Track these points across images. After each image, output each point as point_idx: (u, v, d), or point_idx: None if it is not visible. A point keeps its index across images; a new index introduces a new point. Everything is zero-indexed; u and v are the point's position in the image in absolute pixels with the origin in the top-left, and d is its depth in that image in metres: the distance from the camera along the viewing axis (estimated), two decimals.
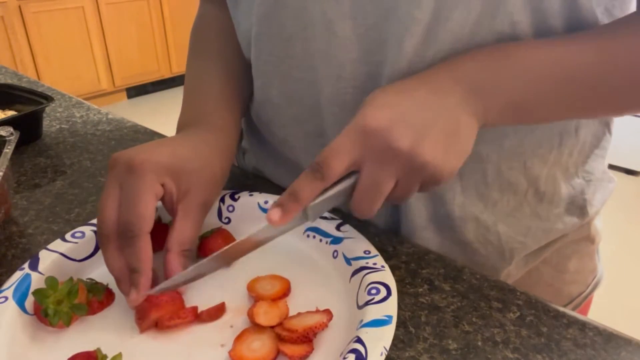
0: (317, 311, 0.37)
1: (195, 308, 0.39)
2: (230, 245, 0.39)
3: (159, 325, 0.37)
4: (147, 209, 0.39)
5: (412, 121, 0.36)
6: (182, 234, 0.41)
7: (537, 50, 0.40)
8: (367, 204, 0.38)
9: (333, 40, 0.43)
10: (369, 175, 0.37)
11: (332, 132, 0.48)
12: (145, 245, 0.38)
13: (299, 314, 0.37)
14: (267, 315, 0.37)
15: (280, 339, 0.35)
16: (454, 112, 0.38)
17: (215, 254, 0.39)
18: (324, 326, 0.35)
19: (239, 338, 0.36)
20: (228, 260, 0.41)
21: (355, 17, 0.42)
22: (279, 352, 0.35)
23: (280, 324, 0.36)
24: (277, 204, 0.38)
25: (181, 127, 0.50)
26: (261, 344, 0.35)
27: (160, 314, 0.37)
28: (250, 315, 0.37)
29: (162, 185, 0.41)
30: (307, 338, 0.35)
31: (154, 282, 0.39)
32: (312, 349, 0.35)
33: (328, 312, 0.36)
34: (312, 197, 0.38)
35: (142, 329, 0.38)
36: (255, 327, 0.37)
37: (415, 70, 0.41)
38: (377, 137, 0.36)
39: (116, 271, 0.39)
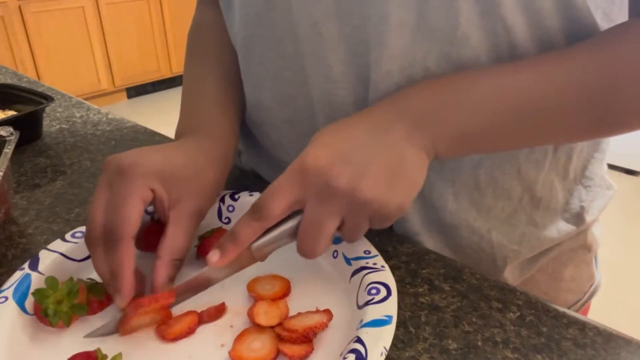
0: (317, 311, 0.37)
1: (195, 313, 0.39)
2: (182, 283, 0.39)
3: (163, 336, 0.37)
4: (133, 213, 0.38)
5: (351, 159, 0.36)
6: (174, 242, 0.41)
7: (485, 79, 0.39)
8: (310, 243, 0.37)
9: (319, 41, 0.43)
10: (311, 214, 0.37)
11: None
12: (126, 250, 0.37)
13: (299, 314, 0.37)
14: (267, 315, 0.37)
15: (280, 339, 0.35)
16: (397, 147, 0.37)
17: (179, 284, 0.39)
18: (324, 326, 0.35)
19: (239, 338, 0.36)
20: (186, 296, 0.40)
21: (340, 18, 0.41)
22: (279, 352, 0.35)
23: (280, 324, 0.36)
24: (217, 246, 0.38)
25: (179, 134, 0.50)
26: (261, 344, 0.35)
27: (144, 322, 0.38)
28: (250, 315, 0.37)
29: (153, 190, 0.40)
30: (307, 338, 0.35)
31: (141, 284, 0.40)
32: (312, 349, 0.35)
33: (328, 312, 0.36)
34: (252, 238, 0.38)
35: (123, 334, 0.37)
36: (256, 327, 0.36)
37: (407, 73, 0.41)
38: (315, 177, 0.36)
39: (103, 274, 0.38)
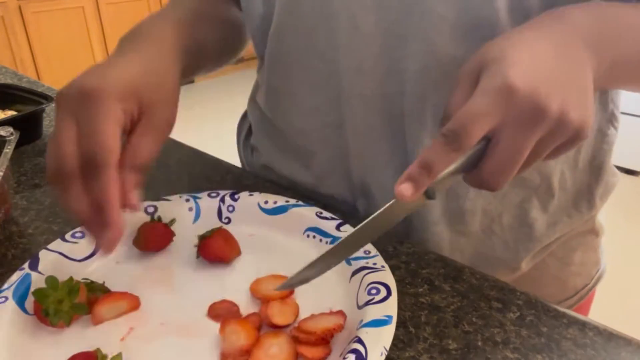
0: (331, 313, 0.37)
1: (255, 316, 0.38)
2: (355, 230, 0.35)
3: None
4: (112, 138, 0.35)
5: (555, 78, 0.33)
6: (137, 149, 0.38)
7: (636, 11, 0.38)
8: (504, 173, 0.33)
9: (356, 34, 0.43)
10: (511, 140, 0.32)
11: (350, 124, 0.49)
12: (112, 177, 0.35)
13: (313, 315, 0.37)
14: (282, 314, 0.37)
15: (298, 341, 0.35)
16: (582, 65, 0.35)
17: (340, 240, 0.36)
18: (341, 328, 0.35)
19: (256, 345, 0.35)
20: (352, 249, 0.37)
21: (378, 12, 0.42)
22: (297, 355, 0.34)
23: (297, 327, 0.36)
24: (406, 178, 0.32)
25: (124, 40, 0.46)
26: (279, 349, 0.34)
27: (114, 312, 0.39)
28: (266, 317, 0.37)
29: (122, 111, 0.37)
30: (325, 340, 0.35)
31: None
32: (330, 351, 0.35)
33: (342, 314, 0.36)
34: (446, 168, 0.33)
35: (94, 323, 0.38)
36: (270, 332, 0.36)
37: (445, 68, 0.41)
38: (524, 99, 0.31)
39: (83, 212, 0.35)
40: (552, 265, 0.57)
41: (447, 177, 0.33)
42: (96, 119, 0.35)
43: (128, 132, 0.39)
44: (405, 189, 0.32)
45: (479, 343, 0.36)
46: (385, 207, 0.35)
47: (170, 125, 0.41)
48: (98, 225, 0.35)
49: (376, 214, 0.35)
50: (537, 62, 0.33)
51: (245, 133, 0.67)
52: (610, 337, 0.37)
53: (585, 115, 0.33)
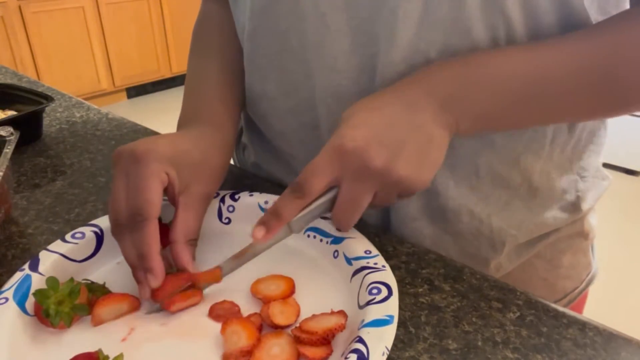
0: (332, 312, 0.37)
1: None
2: (227, 259, 0.41)
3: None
4: (154, 194, 0.39)
5: (387, 139, 0.38)
6: (185, 225, 0.42)
7: (508, 59, 0.40)
8: (346, 218, 0.40)
9: (326, 33, 0.44)
10: (347, 192, 0.39)
11: (326, 124, 0.49)
12: (151, 229, 0.39)
13: (314, 315, 0.37)
14: (283, 314, 0.37)
15: (299, 341, 0.35)
16: (427, 127, 0.39)
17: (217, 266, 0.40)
18: (342, 327, 0.35)
19: (257, 345, 0.35)
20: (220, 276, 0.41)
21: (348, 10, 0.42)
22: (299, 355, 0.34)
23: (298, 327, 0.36)
24: (260, 222, 0.39)
25: (181, 124, 0.51)
26: (281, 350, 0.35)
27: (114, 313, 0.39)
28: (267, 317, 0.37)
29: (167, 174, 0.41)
30: (327, 340, 0.35)
31: (166, 269, 0.40)
32: (332, 351, 0.35)
33: (343, 314, 0.36)
34: (294, 214, 0.39)
35: (94, 324, 0.38)
36: (272, 333, 0.36)
37: (411, 62, 0.42)
38: (353, 157, 0.37)
39: (131, 259, 0.39)
40: (540, 267, 0.57)
41: (304, 217, 0.40)
42: (141, 177, 0.40)
43: (169, 196, 0.43)
44: (257, 231, 0.39)
45: (479, 343, 0.36)
46: (246, 246, 0.41)
47: (207, 199, 0.46)
48: (142, 272, 0.39)
49: (241, 250, 0.41)
50: (376, 125, 0.38)
51: (239, 132, 0.68)
52: (610, 337, 0.37)
53: (418, 173, 0.39)
